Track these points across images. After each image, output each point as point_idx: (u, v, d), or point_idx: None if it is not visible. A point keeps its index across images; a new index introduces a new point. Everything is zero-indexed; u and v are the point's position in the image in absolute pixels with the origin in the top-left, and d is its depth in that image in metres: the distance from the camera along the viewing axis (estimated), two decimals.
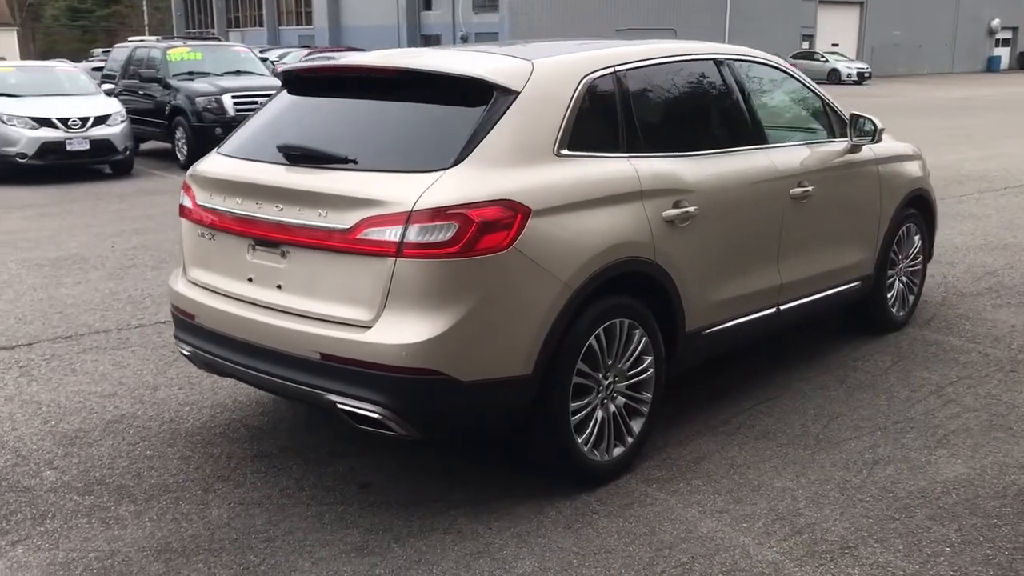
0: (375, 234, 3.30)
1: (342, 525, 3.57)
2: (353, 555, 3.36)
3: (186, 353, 4.09)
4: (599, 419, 3.81)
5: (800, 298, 4.88)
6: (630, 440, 3.96)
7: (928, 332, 5.88)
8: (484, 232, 3.30)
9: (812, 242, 4.92)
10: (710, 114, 4.57)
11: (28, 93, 13.75)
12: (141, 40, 18.79)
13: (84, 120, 13.19)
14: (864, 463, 4.05)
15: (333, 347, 3.41)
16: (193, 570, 3.27)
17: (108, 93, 14.67)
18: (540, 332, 3.45)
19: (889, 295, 5.77)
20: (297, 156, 3.65)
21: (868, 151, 5.34)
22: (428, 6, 46.51)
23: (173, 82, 14.99)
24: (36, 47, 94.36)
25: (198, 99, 14.28)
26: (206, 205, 3.88)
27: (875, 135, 5.13)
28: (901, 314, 5.92)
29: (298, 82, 4.18)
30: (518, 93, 3.61)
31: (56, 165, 13.16)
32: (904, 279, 5.94)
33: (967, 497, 3.74)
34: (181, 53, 15.61)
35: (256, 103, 13.95)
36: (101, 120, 13.38)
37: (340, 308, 3.44)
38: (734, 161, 4.41)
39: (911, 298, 6.03)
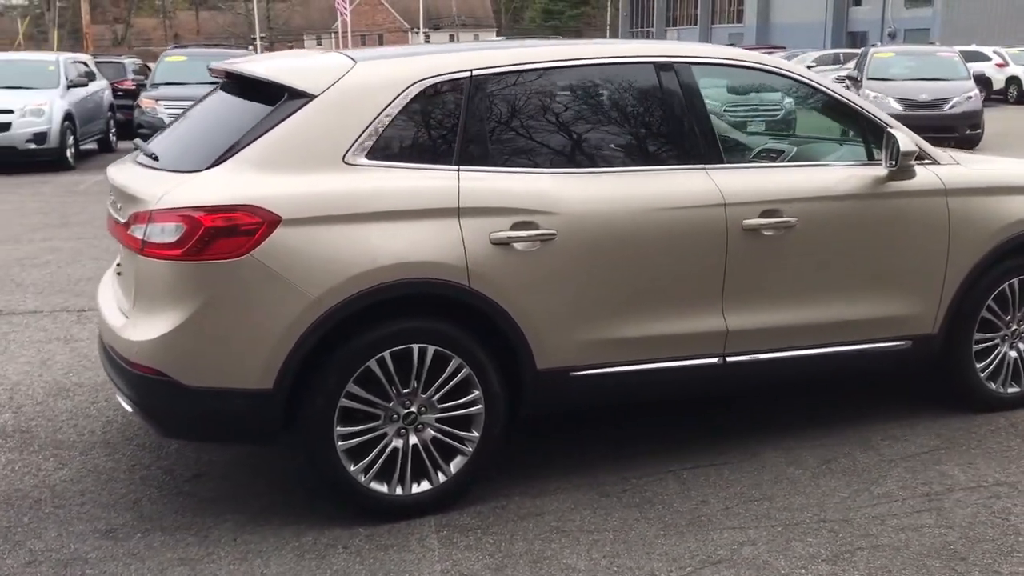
0: (135, 230, 3.39)
1: (125, 507, 3.71)
2: (96, 535, 3.50)
3: None
4: (392, 449, 3.53)
5: (769, 351, 4.04)
6: (443, 478, 3.61)
7: None
8: (217, 236, 3.23)
9: (795, 285, 4.04)
10: (616, 127, 3.91)
11: None
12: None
13: None
14: (702, 560, 3.30)
15: (110, 338, 3.57)
16: None
17: None
18: (280, 348, 3.29)
19: (980, 364, 4.52)
20: (144, 153, 3.84)
21: (931, 178, 4.23)
22: (858, 1, 43.62)
23: None
24: None
25: None
26: None
27: (896, 160, 4.04)
28: (1010, 391, 4.60)
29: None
30: (314, 97, 3.46)
31: None
32: (1020, 347, 4.61)
33: None
34: None
35: None
36: None
37: (124, 301, 3.59)
38: (638, 181, 3.77)
39: None
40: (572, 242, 3.62)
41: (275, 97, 3.51)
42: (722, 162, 3.94)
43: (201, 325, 3.28)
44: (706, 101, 4.02)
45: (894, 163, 4.02)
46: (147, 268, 3.34)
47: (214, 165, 3.36)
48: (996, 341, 4.55)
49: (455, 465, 3.63)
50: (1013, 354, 4.60)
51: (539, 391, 3.69)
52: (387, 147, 3.49)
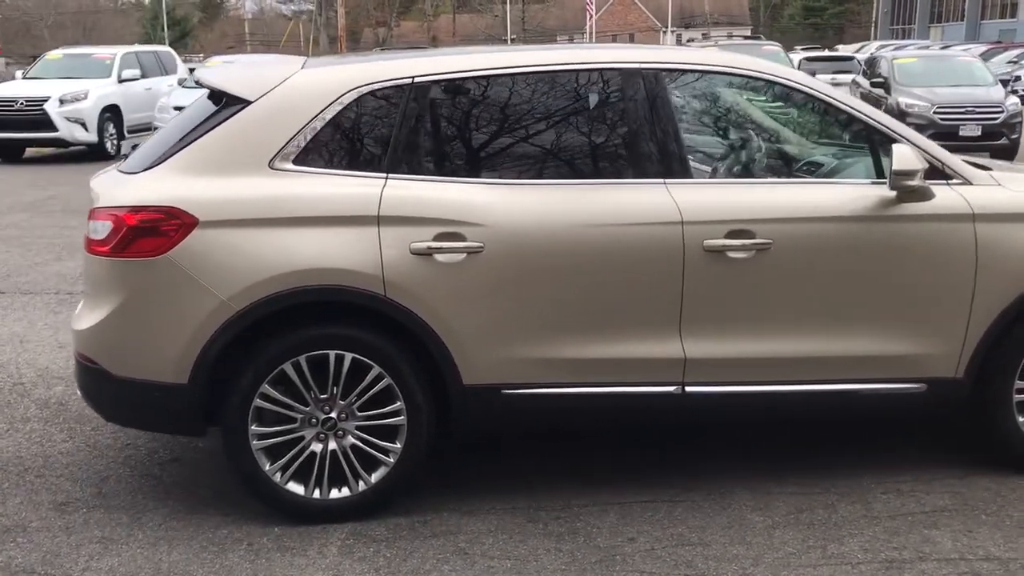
0: (86, 228, 3.63)
1: (92, 483, 3.98)
2: (49, 507, 3.78)
3: None
4: (310, 452, 3.56)
5: (739, 384, 3.70)
6: (362, 487, 3.60)
7: None
8: (138, 235, 3.40)
9: (772, 313, 3.66)
10: (564, 137, 3.68)
11: None
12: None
13: None
14: None
15: None
16: None
17: None
18: (192, 346, 3.41)
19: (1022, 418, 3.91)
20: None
21: (956, 201, 3.70)
22: None
23: None
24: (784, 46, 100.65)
25: None
26: None
27: (889, 178, 3.55)
28: None
29: None
30: (249, 103, 3.54)
31: None
32: None
33: None
34: None
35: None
36: None
37: None
38: (581, 194, 3.56)
39: None
40: (502, 256, 3.48)
41: (219, 103, 3.64)
42: (688, 176, 3.65)
43: (124, 319, 3.46)
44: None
45: (888, 182, 3.56)
46: (88, 263, 3.57)
47: (151, 167, 3.53)
48: None
49: (376, 475, 3.61)
50: None
51: (468, 407, 3.59)
52: (316, 153, 3.52)
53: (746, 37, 22.73)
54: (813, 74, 17.42)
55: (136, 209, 3.41)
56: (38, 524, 3.64)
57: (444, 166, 3.58)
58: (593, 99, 3.71)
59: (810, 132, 4.00)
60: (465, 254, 3.47)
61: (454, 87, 3.63)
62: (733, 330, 3.65)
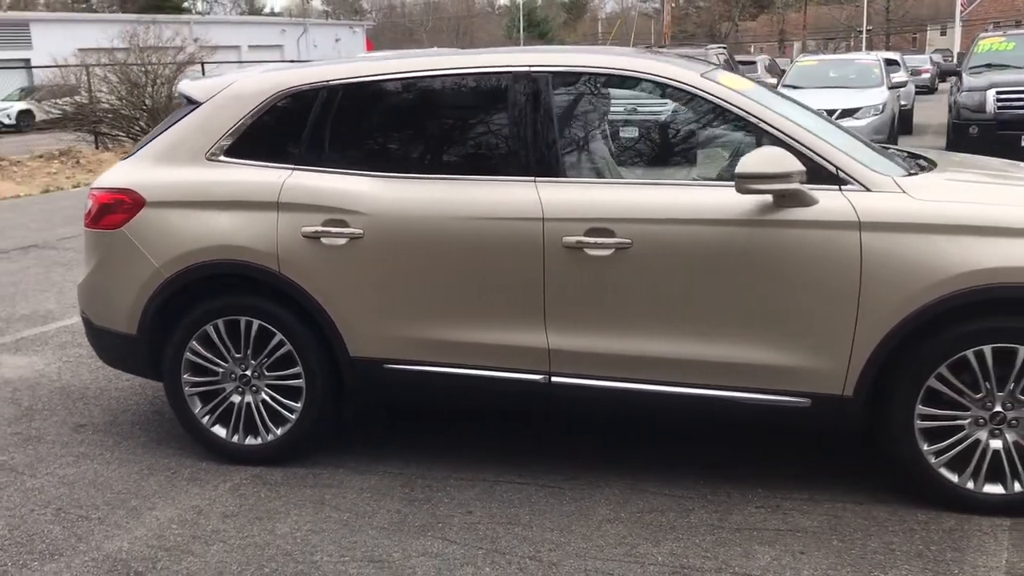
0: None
1: (110, 412, 4.89)
2: (68, 426, 4.73)
3: None
4: (229, 403, 4.19)
5: (606, 379, 3.78)
6: (270, 438, 4.17)
7: None
8: (106, 212, 4.22)
9: (634, 312, 3.69)
10: (450, 137, 3.92)
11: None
12: None
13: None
14: (362, 556, 3.42)
15: None
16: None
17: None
18: (137, 304, 4.16)
19: (931, 447, 3.58)
20: None
21: (841, 208, 3.50)
22: None
23: (966, 75, 14.09)
24: None
25: (964, 95, 13.29)
26: None
27: (734, 181, 3.42)
28: (990, 490, 3.57)
29: None
30: (200, 104, 4.22)
31: None
32: (1010, 437, 3.55)
33: None
34: (991, 43, 14.46)
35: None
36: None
37: None
38: (452, 189, 3.82)
39: None
40: (378, 242, 3.87)
41: (189, 105, 4.36)
42: (562, 176, 3.79)
43: (96, 278, 4.30)
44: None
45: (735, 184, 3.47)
46: (84, 234, 4.45)
47: (129, 157, 4.34)
48: (964, 423, 3.56)
49: (282, 429, 4.15)
50: (997, 444, 3.55)
51: (356, 377, 4.02)
52: (243, 147, 4.11)
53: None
54: None
55: (107, 190, 4.23)
56: (52, 438, 4.60)
57: (341, 160, 4.02)
58: (479, 101, 3.96)
59: (697, 134, 3.92)
60: (347, 239, 3.89)
61: (361, 91, 4.06)
62: (596, 325, 3.74)
